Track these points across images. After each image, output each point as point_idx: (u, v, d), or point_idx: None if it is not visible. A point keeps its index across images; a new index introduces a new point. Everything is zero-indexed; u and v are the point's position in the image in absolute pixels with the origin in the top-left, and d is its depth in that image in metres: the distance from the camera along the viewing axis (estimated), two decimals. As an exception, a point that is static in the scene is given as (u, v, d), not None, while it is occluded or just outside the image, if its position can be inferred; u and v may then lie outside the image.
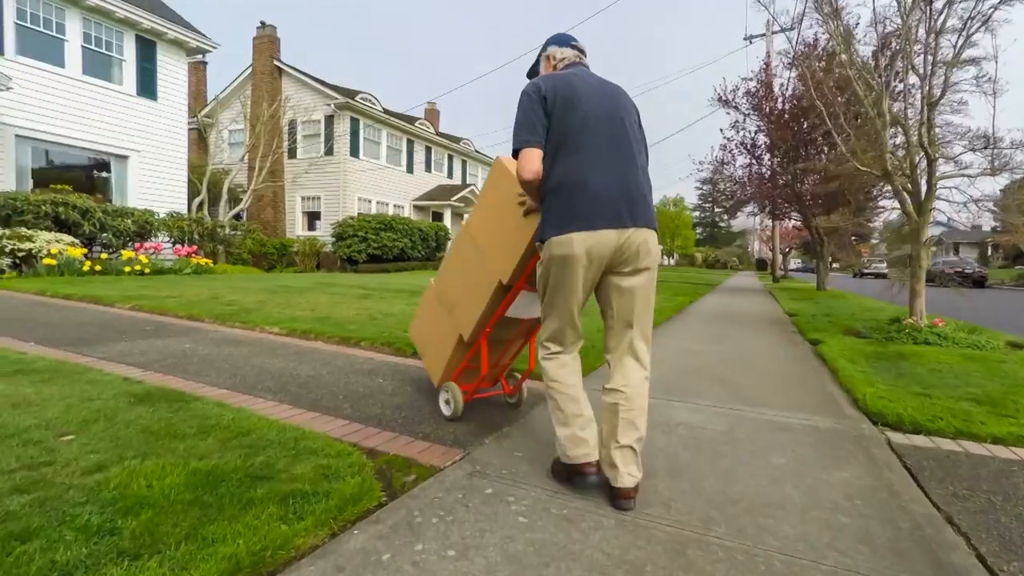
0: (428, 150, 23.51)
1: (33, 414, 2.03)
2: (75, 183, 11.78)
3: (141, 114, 12.85)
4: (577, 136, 1.77)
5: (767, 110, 12.86)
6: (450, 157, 25.21)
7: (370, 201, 20.16)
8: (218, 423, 2.04)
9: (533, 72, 2.18)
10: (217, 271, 11.61)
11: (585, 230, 1.70)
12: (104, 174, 12.59)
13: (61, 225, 9.55)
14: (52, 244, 8.82)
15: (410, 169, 22.27)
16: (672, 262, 63.46)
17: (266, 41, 19.73)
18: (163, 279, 9.05)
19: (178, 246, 11.55)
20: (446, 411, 2.53)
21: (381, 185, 20.61)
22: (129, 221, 10.59)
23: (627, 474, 1.67)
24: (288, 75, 19.95)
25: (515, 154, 1.81)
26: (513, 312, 2.34)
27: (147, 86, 12.98)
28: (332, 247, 17.91)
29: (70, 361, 3.11)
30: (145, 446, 1.78)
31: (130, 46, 12.63)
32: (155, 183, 13.16)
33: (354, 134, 19.20)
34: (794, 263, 56.95)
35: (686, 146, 27.58)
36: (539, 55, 2.14)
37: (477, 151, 27.30)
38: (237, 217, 17.93)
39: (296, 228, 19.80)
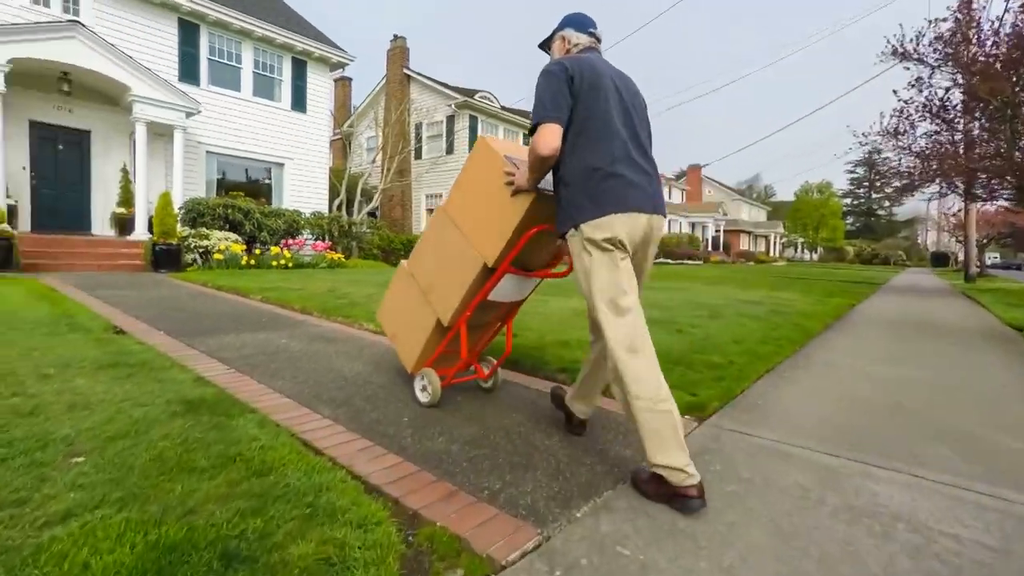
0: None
1: (73, 422, 1.79)
2: (246, 189, 13.13)
3: (294, 126, 13.93)
4: (605, 121, 1.72)
5: (968, 57, 9.41)
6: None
7: (489, 197, 20.20)
8: (242, 454, 1.63)
9: (546, 46, 2.07)
10: (348, 265, 12.18)
11: (623, 212, 1.66)
12: (266, 180, 13.89)
13: (230, 225, 10.55)
14: (222, 241, 9.74)
15: (527, 165, 21.95)
16: (815, 257, 55.60)
17: (397, 52, 20.58)
18: (299, 272, 9.57)
19: (317, 242, 12.29)
20: (423, 398, 2.40)
21: (499, 182, 20.55)
22: (280, 221, 11.46)
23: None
24: (415, 81, 20.65)
25: (533, 130, 1.69)
26: (497, 295, 2.19)
27: (299, 101, 14.02)
28: (453, 242, 18.19)
29: (169, 354, 3.02)
30: (142, 483, 1.41)
31: (287, 67, 13.71)
32: (303, 186, 14.23)
33: (472, 131, 19.29)
34: (991, 257, 45.16)
35: (827, 125, 23.88)
36: (554, 31, 2.01)
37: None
38: (372, 215, 18.95)
39: (421, 224, 20.49)
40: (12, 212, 9.48)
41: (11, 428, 1.69)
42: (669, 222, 34.35)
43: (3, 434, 1.64)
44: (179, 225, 10.07)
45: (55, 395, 2.06)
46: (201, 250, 9.53)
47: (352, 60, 14.84)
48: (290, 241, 11.39)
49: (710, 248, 38.05)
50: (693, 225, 38.01)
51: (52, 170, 10.52)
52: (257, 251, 10.35)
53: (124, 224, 10.72)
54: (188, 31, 11.85)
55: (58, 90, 9.90)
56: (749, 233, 47.00)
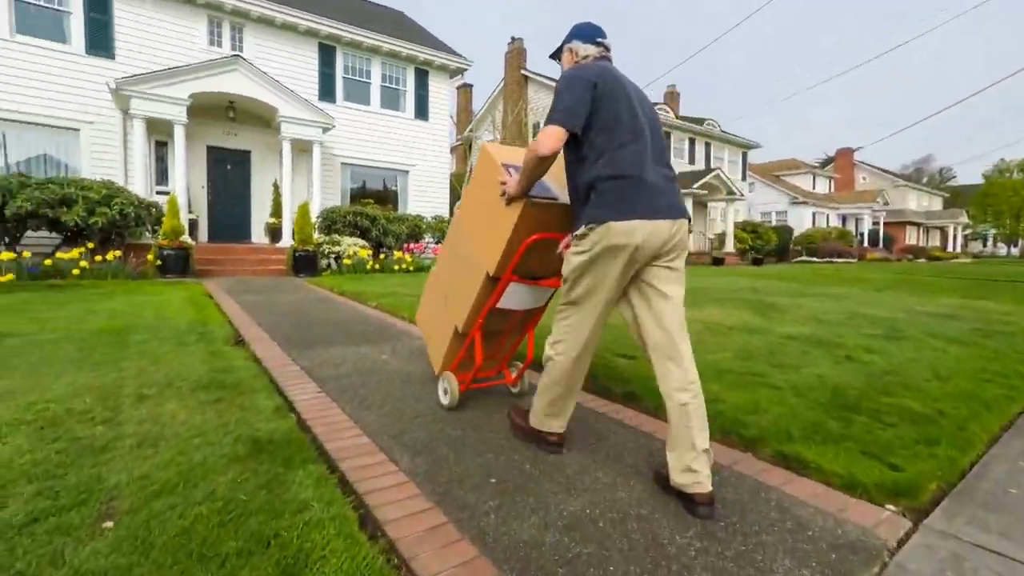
0: (667, 136, 21.44)
1: (131, 465, 1.63)
2: (375, 196, 13.95)
3: (417, 134, 14.49)
4: (627, 128, 1.70)
5: None
6: (691, 141, 22.63)
7: (607, 195, 19.34)
8: (280, 534, 1.30)
9: (556, 57, 2.02)
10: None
11: (647, 218, 1.64)
12: (393, 187, 14.64)
13: (359, 231, 11.20)
14: (351, 247, 10.36)
15: (648, 160, 20.62)
16: (1014, 251, 45.31)
17: (515, 53, 20.60)
18: (418, 276, 9.77)
19: (437, 246, 12.59)
20: (444, 400, 2.46)
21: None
22: (403, 226, 11.92)
23: (707, 477, 1.58)
24: (532, 80, 20.49)
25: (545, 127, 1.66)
26: (507, 303, 2.19)
27: (421, 109, 14.56)
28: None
29: (269, 370, 2.95)
30: (151, 572, 1.13)
31: (410, 78, 14.31)
32: (425, 192, 14.75)
33: (591, 130, 18.57)
34: None
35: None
36: (562, 44, 1.97)
37: (723, 131, 23.92)
38: None
39: (539, 225, 20.28)
40: (193, 225, 11.00)
41: (70, 471, 1.57)
42: (814, 215, 30.27)
43: (59, 479, 1.52)
44: (316, 232, 10.89)
45: (136, 425, 1.97)
46: (333, 255, 10.20)
47: (470, 65, 15.03)
48: (412, 245, 11.78)
49: (866, 243, 32.81)
50: (844, 218, 33.09)
51: (223, 187, 12.05)
52: (382, 256, 10.82)
53: (275, 232, 11.92)
54: (326, 53, 12.84)
55: (226, 117, 11.27)
56: (918, 225, 39.76)
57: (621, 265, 1.66)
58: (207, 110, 11.09)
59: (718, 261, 19.57)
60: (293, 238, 10.20)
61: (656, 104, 21.37)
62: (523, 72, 20.71)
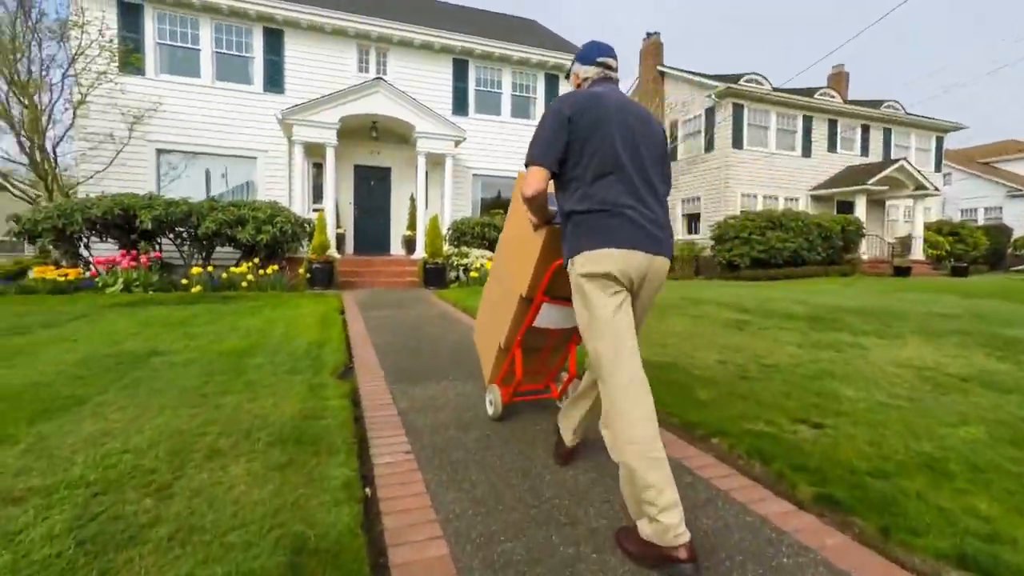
0: (832, 124, 18.28)
1: (151, 569, 1.29)
2: (505, 207, 13.93)
3: (545, 142, 14.15)
4: (608, 160, 1.66)
5: None
6: (864, 129, 19.02)
7: (755, 196, 17.06)
8: None
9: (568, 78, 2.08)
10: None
11: (622, 248, 1.62)
12: (521, 197, 14.49)
13: (487, 243, 11.15)
14: (478, 259, 10.30)
15: (806, 152, 17.81)
16: None
17: (650, 49, 19.30)
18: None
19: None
20: (489, 411, 2.65)
21: (768, 176, 17.15)
22: (530, 235, 11.61)
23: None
24: (669, 76, 18.98)
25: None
26: (543, 323, 2.26)
27: (550, 117, 14.19)
28: (712, 251, 15.92)
29: (364, 414, 2.62)
30: None
31: (540, 84, 14.04)
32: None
33: (737, 122, 16.53)
34: None
35: None
36: (570, 68, 2.00)
37: (910, 114, 19.80)
38: None
39: (677, 232, 18.67)
40: (341, 239, 11.91)
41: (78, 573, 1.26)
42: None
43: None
44: (445, 244, 11.04)
45: (186, 499, 1.68)
46: (462, 267, 10.20)
47: (603, 67, 14.28)
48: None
49: None
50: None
51: (367, 202, 12.91)
52: (509, 267, 10.60)
53: (410, 244, 12.41)
54: (459, 68, 13.10)
55: (370, 137, 12.03)
56: None
57: (613, 292, 1.65)
58: (355, 131, 11.93)
59: (902, 271, 16.09)
60: (425, 250, 10.43)
61: (819, 89, 18.42)
62: (659, 68, 19.32)
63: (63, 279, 7.75)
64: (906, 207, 19.83)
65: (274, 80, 11.63)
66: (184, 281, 8.19)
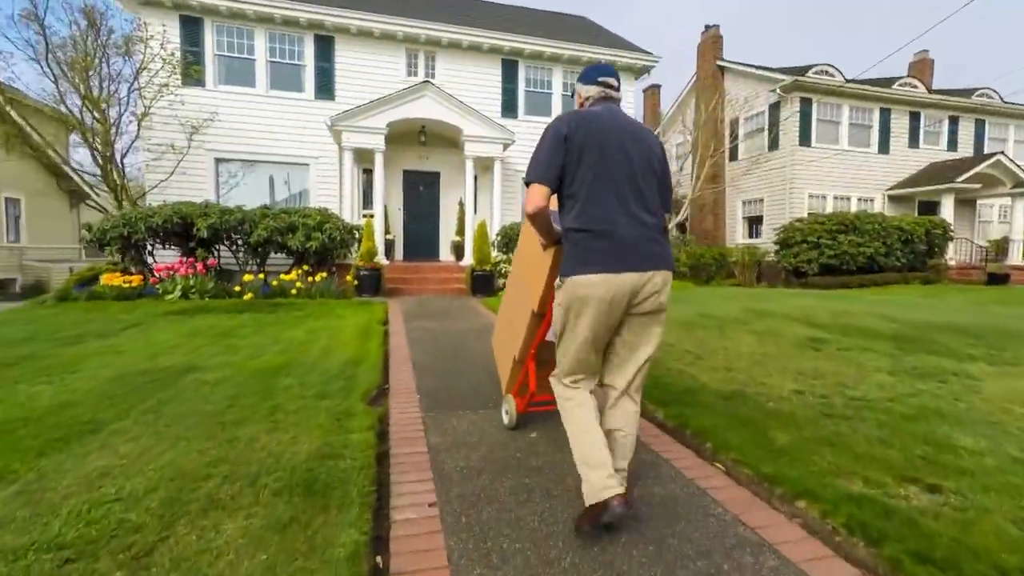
0: (914, 117, 16.66)
1: None
2: None
3: (596, 143, 13.66)
4: (601, 179, 1.74)
5: None
6: (952, 121, 17.21)
7: (824, 197, 15.80)
8: None
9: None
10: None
11: (608, 272, 1.69)
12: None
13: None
14: (522, 264, 9.98)
15: (883, 148, 16.31)
16: None
17: (709, 43, 18.35)
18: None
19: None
20: (505, 420, 2.75)
21: (839, 175, 15.82)
22: (579, 240, 11.17)
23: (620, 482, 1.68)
24: (729, 71, 17.94)
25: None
26: (552, 337, 2.20)
27: (601, 117, 13.69)
28: (775, 256, 14.86)
29: (391, 451, 2.34)
30: None
31: (589, 85, 13.57)
32: (604, 203, 13.81)
33: (804, 117, 15.35)
34: None
35: None
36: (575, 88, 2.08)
37: (1008, 103, 17.76)
38: (681, 228, 17.33)
39: (736, 235, 17.61)
40: (390, 245, 11.92)
41: None
42: None
43: None
44: (494, 251, 10.79)
45: (164, 571, 1.42)
46: (510, 274, 9.91)
47: (656, 61, 13.63)
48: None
49: None
50: None
51: (416, 208, 12.89)
52: (556, 273, 10.20)
53: (459, 250, 12.26)
54: (509, 68, 12.86)
55: (418, 142, 11.98)
56: None
57: (592, 314, 1.72)
58: (403, 136, 11.92)
59: (997, 278, 14.40)
60: (472, 257, 10.22)
61: (899, 79, 16.84)
62: (719, 63, 18.32)
63: (127, 286, 8.08)
64: (1002, 207, 17.82)
65: (325, 87, 11.81)
66: (237, 288, 8.36)
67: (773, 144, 16.07)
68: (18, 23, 8.94)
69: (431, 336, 5.34)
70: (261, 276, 8.65)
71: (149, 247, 9.11)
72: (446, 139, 12.25)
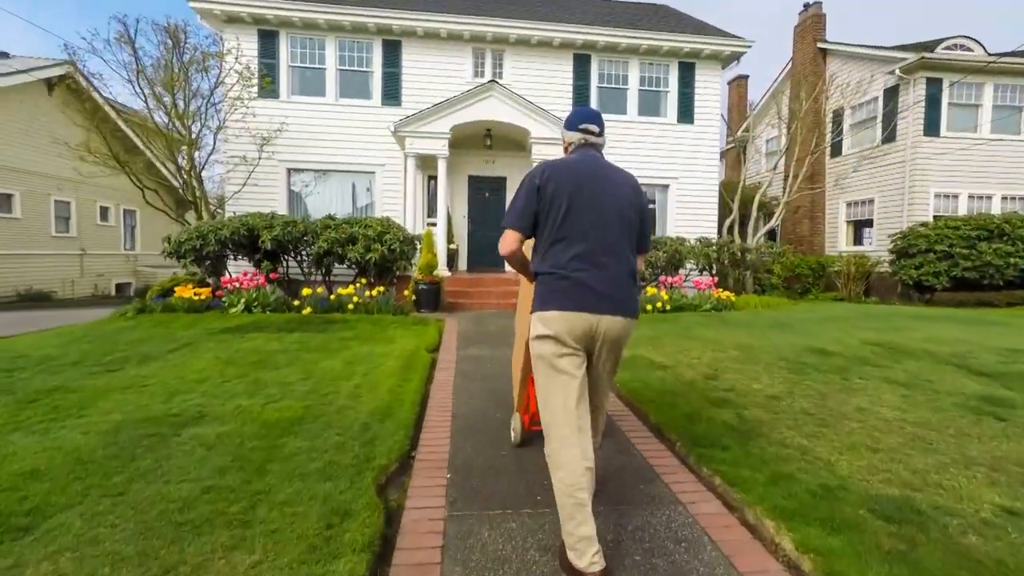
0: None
1: None
2: None
3: (680, 141, 12.37)
4: (569, 227, 1.86)
5: None
6: None
7: (954, 197, 13.30)
8: None
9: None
10: (738, 305, 9.55)
11: (567, 311, 1.81)
12: (650, 206, 12.86)
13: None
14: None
15: (1042, 136, 13.48)
16: None
17: (808, 24, 16.24)
18: (675, 323, 7.70)
19: (699, 278, 10.18)
20: (512, 437, 2.90)
21: (977, 169, 13.22)
22: (661, 252, 9.99)
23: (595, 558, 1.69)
24: (833, 55, 15.76)
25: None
26: None
27: (685, 111, 12.38)
28: (890, 267, 12.73)
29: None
30: None
31: (672, 75, 12.32)
32: (688, 209, 12.46)
33: (931, 102, 13.00)
34: None
35: None
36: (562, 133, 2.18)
37: None
38: (771, 235, 15.48)
39: (838, 242, 15.44)
40: (454, 255, 11.43)
41: None
42: None
43: None
44: (561, 261, 9.94)
45: None
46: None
47: (749, 46, 12.10)
48: (668, 278, 9.73)
49: None
50: None
51: (481, 215, 12.32)
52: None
53: (524, 259, 11.53)
54: (581, 64, 11.93)
55: (484, 146, 11.39)
56: None
57: (550, 362, 1.84)
58: (468, 140, 11.39)
59: None
60: (536, 268, 9.44)
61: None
62: (820, 46, 16.17)
63: (197, 299, 8.13)
64: None
65: (391, 93, 11.55)
66: (296, 302, 8.16)
67: (888, 135, 13.83)
68: (113, 45, 9.30)
69: (482, 371, 4.61)
70: (320, 290, 8.40)
71: (222, 258, 9.23)
72: (513, 142, 11.57)
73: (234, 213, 9.52)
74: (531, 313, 1.91)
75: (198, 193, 10.28)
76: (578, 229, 1.85)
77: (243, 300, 8.05)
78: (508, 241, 1.90)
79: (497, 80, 10.51)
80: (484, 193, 12.31)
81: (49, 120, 14.46)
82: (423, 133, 9.99)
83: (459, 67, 11.64)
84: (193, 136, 10.16)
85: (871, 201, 14.49)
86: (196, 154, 10.07)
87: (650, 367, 4.70)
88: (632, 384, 4.12)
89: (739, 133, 20.44)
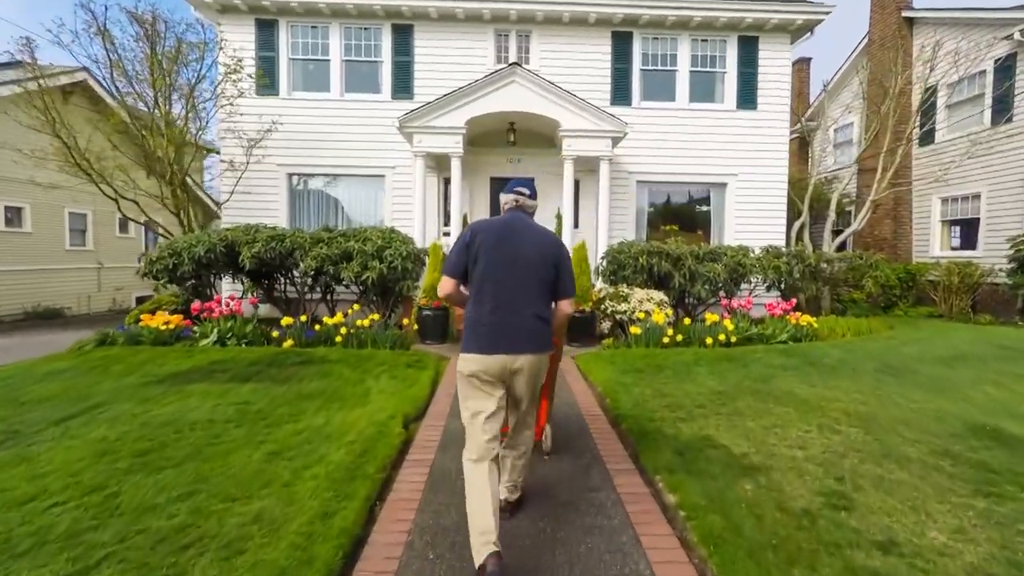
0: None
1: None
2: (681, 222, 10.74)
3: (740, 130, 10.43)
4: (489, 279, 2.28)
5: None
6: None
7: (1102, 189, 10.76)
8: None
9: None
10: (820, 332, 7.58)
11: (487, 354, 2.22)
12: (703, 208, 11.00)
13: (655, 280, 8.06)
14: (643, 303, 7.30)
15: None
16: None
17: (897, -11, 13.86)
18: (750, 360, 5.89)
19: (774, 301, 8.24)
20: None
21: None
22: (719, 266, 8.12)
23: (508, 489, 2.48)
24: (923, 24, 13.32)
25: None
26: None
27: (746, 95, 10.44)
28: (1008, 277, 10.34)
29: None
30: None
31: (731, 53, 10.40)
32: (751, 211, 10.49)
33: (1076, 73, 10.52)
34: None
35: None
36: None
37: None
38: (842, 247, 13.17)
39: (931, 246, 13.00)
40: (472, 266, 9.95)
41: None
42: None
43: None
44: (598, 281, 8.28)
45: None
46: (618, 315, 7.30)
47: (828, 12, 10.05)
48: (732, 301, 7.87)
49: None
50: None
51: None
52: (685, 320, 7.32)
53: (554, 273, 9.92)
54: (620, 44, 10.20)
55: (507, 142, 9.85)
56: None
57: (472, 386, 2.27)
58: (489, 136, 9.90)
59: None
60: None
61: None
62: (905, 15, 13.76)
63: (165, 328, 6.96)
64: None
65: (402, 85, 10.18)
66: (275, 334, 6.85)
67: (1000, 115, 11.39)
68: (82, 37, 8.30)
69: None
70: (303, 318, 7.05)
71: (214, 276, 8.10)
72: (541, 137, 9.98)
73: (232, 224, 8.36)
74: (461, 353, 2.31)
75: (181, 201, 9.19)
76: (494, 280, 2.28)
77: (216, 330, 6.81)
78: (445, 286, 2.38)
79: (520, 64, 8.92)
80: (508, 197, 10.75)
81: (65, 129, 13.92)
82: (434, 128, 8.55)
83: (479, 53, 10.14)
84: (181, 134, 9.09)
85: (976, 196, 12.04)
86: (181, 158, 8.98)
87: (730, 470, 3.01)
88: (708, 519, 2.45)
89: (803, 121, 18.03)
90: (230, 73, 8.73)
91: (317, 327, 6.86)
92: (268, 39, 10.06)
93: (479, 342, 2.22)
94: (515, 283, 2.27)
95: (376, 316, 7.09)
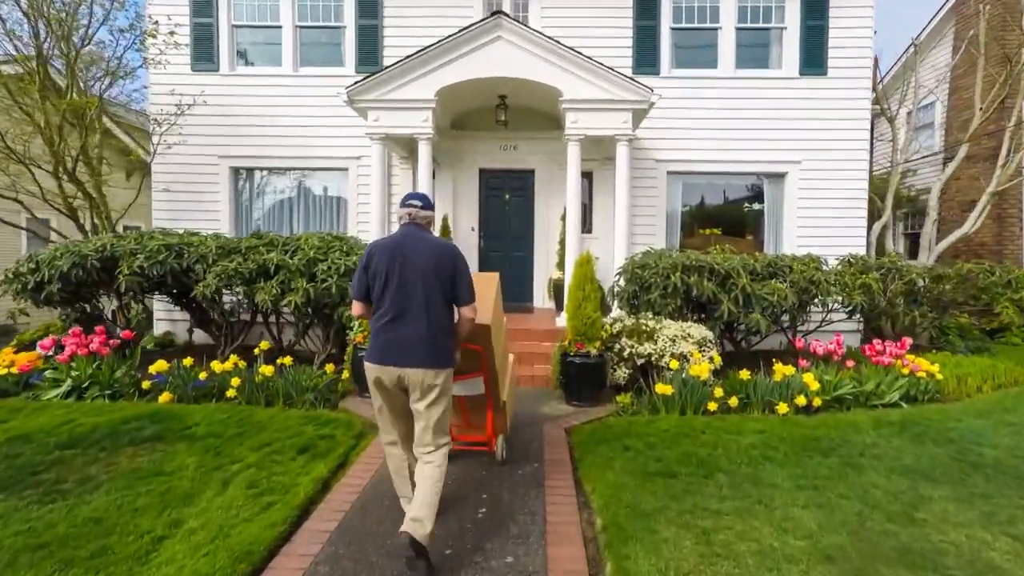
0: None
1: None
2: (724, 224, 8.57)
3: (804, 103, 8.15)
4: (385, 296, 2.47)
5: None
6: None
7: None
8: None
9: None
10: (944, 386, 5.24)
11: (378, 364, 2.45)
12: (753, 206, 8.72)
13: (693, 304, 5.88)
14: (674, 343, 5.11)
15: None
16: None
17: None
18: (853, 447, 3.65)
19: (868, 344, 5.89)
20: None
21: None
22: (784, 285, 5.86)
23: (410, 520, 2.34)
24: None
25: None
26: (457, 391, 3.07)
27: (813, 56, 8.15)
28: None
29: None
30: None
31: (792, 3, 8.15)
32: (819, 210, 8.16)
33: None
34: None
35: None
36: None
37: None
38: (913, 244, 10.58)
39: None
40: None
41: None
42: None
43: None
44: (614, 307, 6.16)
45: None
46: (639, 359, 5.11)
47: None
48: (813, 343, 5.57)
49: None
50: None
51: (498, 226, 8.73)
52: (742, 374, 5.07)
53: (559, 294, 7.80)
54: (645, -6, 8.08)
55: (498, 121, 7.79)
56: None
57: (376, 387, 2.53)
58: (476, 116, 7.94)
59: None
60: (567, 321, 5.64)
61: None
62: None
63: (8, 373, 5.16)
64: None
65: (369, 55, 8.26)
66: (145, 385, 4.93)
67: None
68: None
69: None
70: (187, 361, 5.11)
71: (101, 297, 6.31)
72: (541, 116, 7.94)
73: (160, 230, 6.56)
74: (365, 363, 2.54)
75: (71, 194, 7.41)
76: (389, 297, 2.46)
77: (69, 379, 4.95)
78: (355, 309, 2.63)
79: (504, 12, 6.81)
80: (502, 194, 8.72)
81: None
82: (394, 102, 6.56)
83: (464, 13, 8.15)
84: (72, 104, 7.32)
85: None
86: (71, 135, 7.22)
87: None
88: None
89: (878, 92, 15.34)
90: (131, 31, 6.94)
91: (203, 375, 4.91)
92: (204, 2, 8.30)
93: (376, 352, 2.47)
94: (407, 298, 2.44)
95: (288, 361, 5.12)
